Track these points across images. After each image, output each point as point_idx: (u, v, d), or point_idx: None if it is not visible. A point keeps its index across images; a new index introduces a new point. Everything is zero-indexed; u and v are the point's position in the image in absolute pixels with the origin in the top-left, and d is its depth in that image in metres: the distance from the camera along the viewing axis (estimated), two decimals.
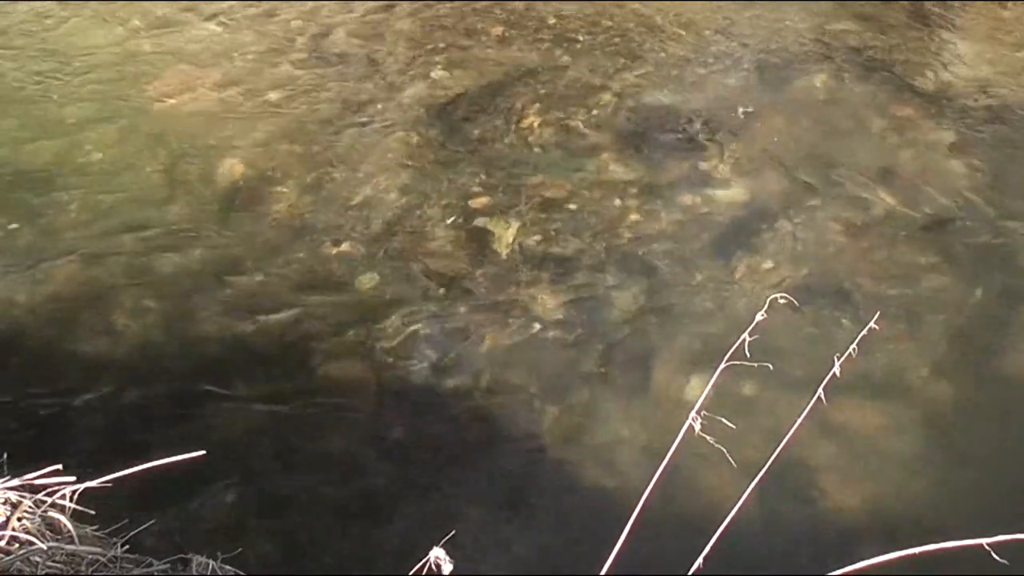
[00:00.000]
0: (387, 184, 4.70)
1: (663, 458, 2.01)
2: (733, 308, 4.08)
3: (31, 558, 2.23)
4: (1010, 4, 6.40)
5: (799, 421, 2.10)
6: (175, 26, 5.80)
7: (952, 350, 3.98)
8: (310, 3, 6.07)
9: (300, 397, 3.68)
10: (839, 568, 1.89)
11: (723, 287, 4.22)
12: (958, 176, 4.91)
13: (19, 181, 4.60)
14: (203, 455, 2.40)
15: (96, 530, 2.50)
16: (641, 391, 3.76)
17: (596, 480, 3.42)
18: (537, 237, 4.44)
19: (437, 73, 5.53)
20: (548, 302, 4.12)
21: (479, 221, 4.51)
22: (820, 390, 2.08)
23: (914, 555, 1.81)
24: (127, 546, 2.46)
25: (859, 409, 3.68)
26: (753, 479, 2.03)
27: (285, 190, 4.63)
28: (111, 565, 2.34)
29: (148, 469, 2.37)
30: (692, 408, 2.00)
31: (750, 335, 2.03)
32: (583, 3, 6.21)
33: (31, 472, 2.41)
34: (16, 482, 2.38)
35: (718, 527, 1.96)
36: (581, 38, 5.90)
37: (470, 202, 4.61)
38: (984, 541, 1.78)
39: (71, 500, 2.37)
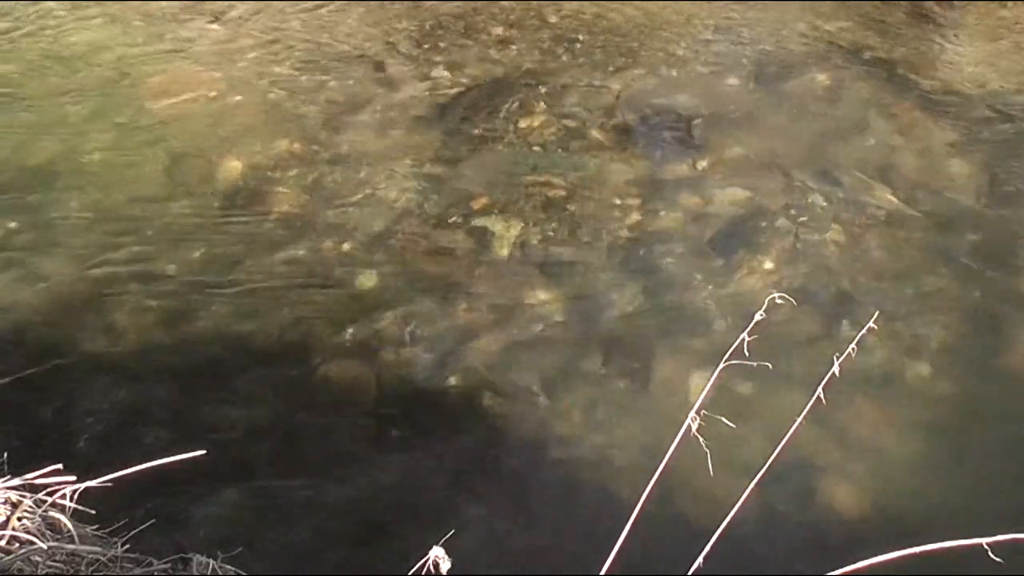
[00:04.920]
0: (387, 184, 4.70)
1: (663, 458, 2.01)
2: (733, 308, 4.08)
3: (31, 558, 2.23)
4: (1010, 3, 6.40)
5: (799, 421, 2.09)
6: (175, 26, 5.80)
7: (952, 350, 3.98)
8: (310, 3, 6.07)
9: (300, 397, 3.68)
10: (839, 568, 1.88)
11: (723, 287, 4.21)
12: (958, 176, 4.90)
13: (19, 181, 4.60)
14: (203, 455, 2.40)
15: (96, 530, 2.51)
16: (641, 391, 3.76)
17: (596, 480, 3.42)
18: (537, 237, 4.44)
19: (437, 73, 5.53)
20: (548, 302, 4.12)
21: (479, 221, 4.51)
22: (820, 390, 2.08)
23: (914, 555, 1.81)
24: (127, 546, 2.46)
25: (858, 409, 3.68)
26: (753, 479, 2.03)
27: (285, 190, 4.63)
28: (111, 565, 2.34)
29: (148, 469, 2.37)
30: (692, 408, 2.00)
31: (749, 335, 2.03)
32: (583, 3, 6.21)
33: (31, 472, 2.41)
34: (16, 482, 2.38)
35: (718, 527, 1.96)
36: (581, 38, 5.90)
37: (470, 202, 4.61)
38: (984, 541, 1.78)
39: (71, 500, 2.37)
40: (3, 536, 2.24)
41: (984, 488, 3.44)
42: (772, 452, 2.05)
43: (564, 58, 5.70)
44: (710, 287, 4.21)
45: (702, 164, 4.93)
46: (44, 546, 2.23)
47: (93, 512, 2.43)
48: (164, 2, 5.96)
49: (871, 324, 2.26)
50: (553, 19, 6.06)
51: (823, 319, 4.05)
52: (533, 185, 4.73)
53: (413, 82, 5.45)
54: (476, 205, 4.60)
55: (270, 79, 5.39)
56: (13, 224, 4.35)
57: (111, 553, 2.36)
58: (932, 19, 6.24)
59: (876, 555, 1.84)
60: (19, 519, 2.28)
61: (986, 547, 1.78)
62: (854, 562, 1.87)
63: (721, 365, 2.07)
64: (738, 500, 2.00)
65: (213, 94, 5.24)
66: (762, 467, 2.04)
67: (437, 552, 1.91)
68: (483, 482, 3.45)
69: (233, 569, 2.49)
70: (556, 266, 4.29)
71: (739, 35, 5.99)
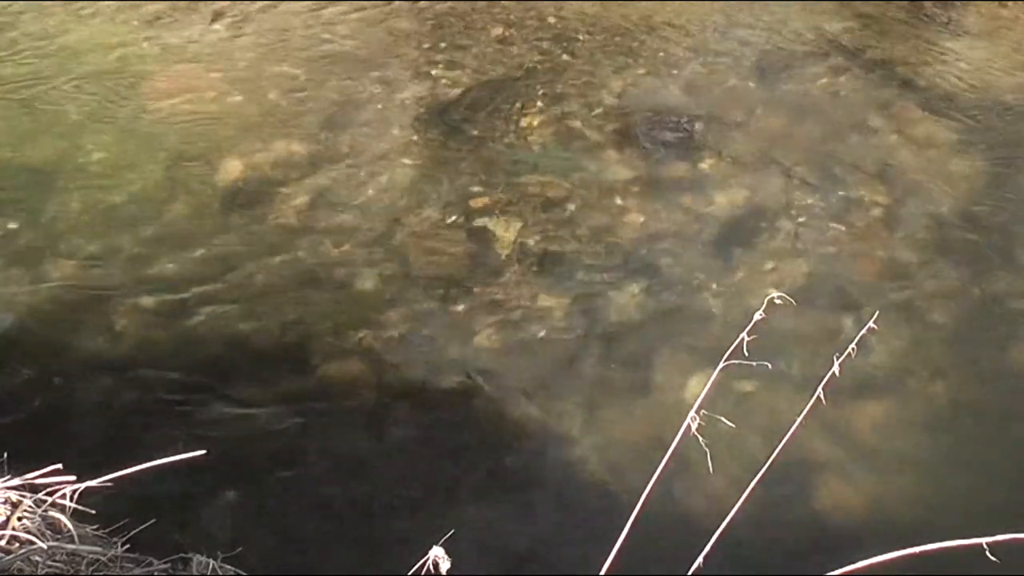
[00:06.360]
0: (387, 184, 4.70)
1: (663, 458, 2.01)
2: (733, 308, 4.08)
3: (31, 557, 2.23)
4: (1010, 3, 6.40)
5: (798, 421, 2.09)
6: (175, 26, 5.80)
7: (952, 349, 3.98)
8: (310, 2, 6.07)
9: (300, 397, 3.68)
10: (839, 568, 1.89)
11: (723, 287, 4.21)
12: (958, 176, 4.91)
13: (19, 181, 4.61)
14: (203, 455, 2.40)
15: (96, 529, 2.51)
16: (641, 391, 3.76)
17: (596, 479, 3.42)
18: (537, 237, 4.44)
19: (437, 73, 5.53)
20: (548, 302, 4.12)
21: (479, 221, 4.51)
22: (819, 390, 2.08)
23: (914, 555, 1.81)
24: (127, 545, 2.46)
25: (858, 408, 3.68)
26: (753, 479, 2.03)
27: (285, 190, 4.63)
28: (111, 564, 2.34)
29: (148, 469, 2.37)
30: (691, 408, 2.00)
31: (749, 335, 2.03)
32: (583, 3, 6.21)
33: (31, 471, 2.41)
34: (16, 481, 2.38)
35: (718, 527, 1.96)
36: (581, 38, 5.90)
37: (470, 202, 4.61)
38: (984, 541, 1.78)
39: (71, 499, 2.37)
40: (3, 536, 2.24)
41: (984, 488, 3.44)
42: (772, 452, 2.05)
43: (564, 58, 5.70)
44: (710, 287, 4.21)
45: (702, 164, 4.93)
46: (44, 546, 2.24)
47: (93, 512, 2.43)
48: (164, 2, 5.96)
49: (871, 324, 2.26)
50: (553, 19, 6.06)
51: (823, 319, 4.05)
52: (533, 185, 4.73)
53: (413, 82, 5.44)
54: (476, 205, 4.60)
55: (270, 79, 5.39)
56: (13, 224, 4.35)
57: (111, 553, 2.36)
58: (932, 19, 6.24)
59: (876, 555, 1.84)
60: (19, 519, 2.29)
61: (986, 547, 1.78)
62: (854, 562, 1.87)
63: (721, 365, 2.07)
64: (738, 500, 2.00)
65: (213, 94, 5.24)
66: (762, 467, 2.04)
67: (437, 552, 1.92)
68: (483, 482, 3.45)
69: (233, 569, 2.50)
70: (556, 266, 4.29)
71: (739, 35, 5.99)
